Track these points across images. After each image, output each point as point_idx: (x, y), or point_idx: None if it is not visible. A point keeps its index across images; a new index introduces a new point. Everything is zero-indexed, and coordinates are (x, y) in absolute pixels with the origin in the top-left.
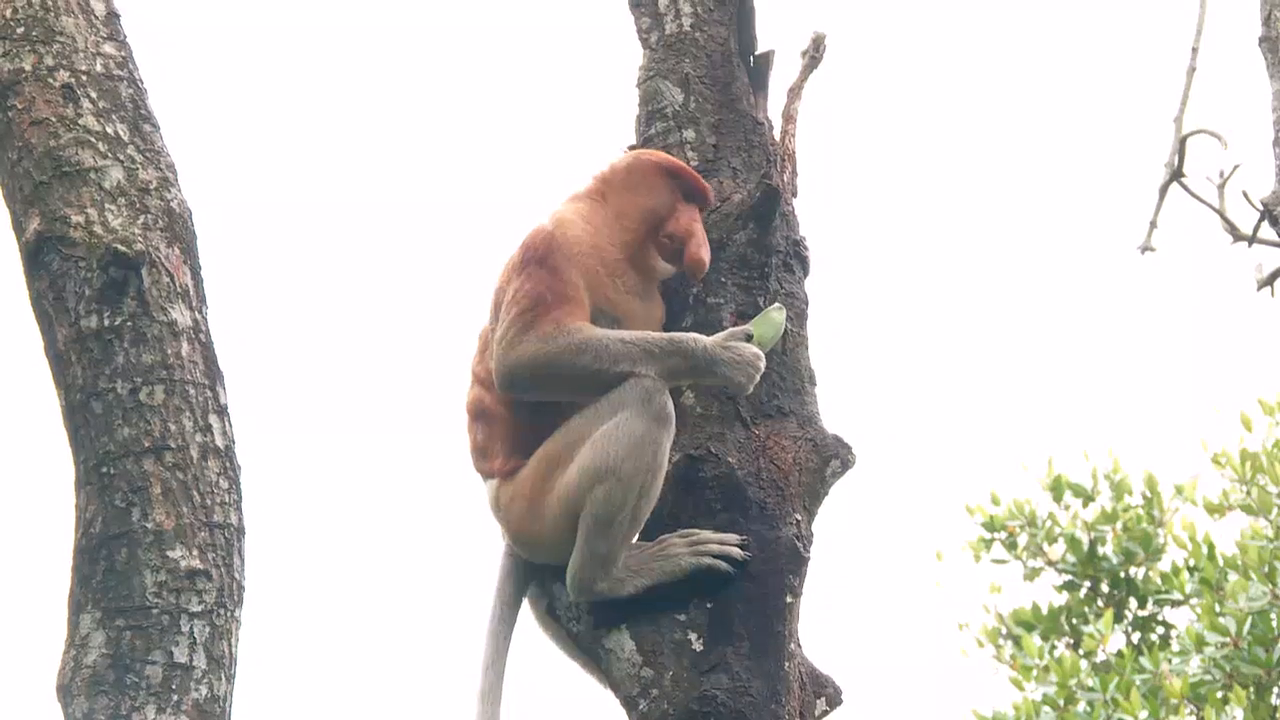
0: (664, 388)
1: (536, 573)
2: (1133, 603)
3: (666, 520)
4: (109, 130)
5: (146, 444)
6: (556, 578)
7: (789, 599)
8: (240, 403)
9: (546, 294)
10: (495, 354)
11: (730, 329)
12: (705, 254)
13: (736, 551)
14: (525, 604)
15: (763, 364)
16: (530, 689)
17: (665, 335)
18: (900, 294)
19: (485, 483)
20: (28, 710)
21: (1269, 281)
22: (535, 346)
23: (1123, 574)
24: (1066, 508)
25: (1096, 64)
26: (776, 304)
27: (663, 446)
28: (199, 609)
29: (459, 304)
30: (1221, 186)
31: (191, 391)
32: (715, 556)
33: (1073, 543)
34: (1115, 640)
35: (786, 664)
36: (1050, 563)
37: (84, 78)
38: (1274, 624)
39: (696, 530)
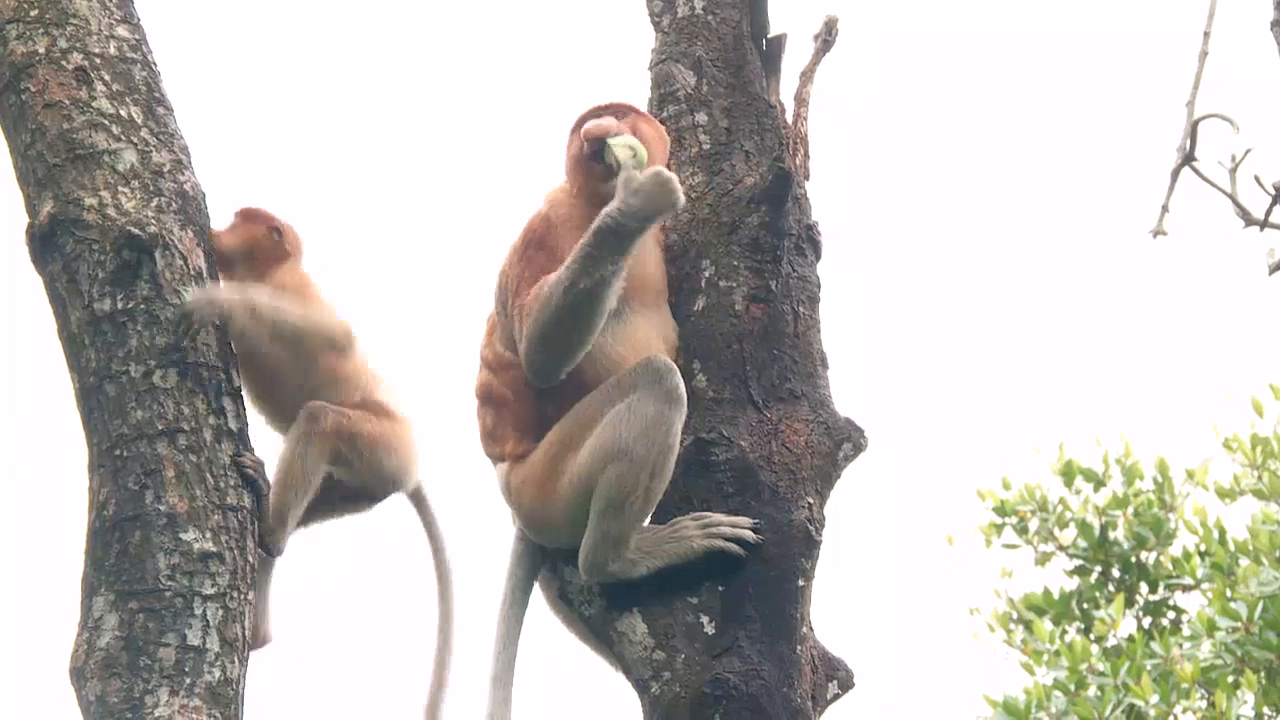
0: (674, 367)
1: (548, 557)
2: (1144, 587)
3: (678, 503)
4: (122, 113)
5: (160, 427)
6: (568, 561)
7: (801, 582)
8: None
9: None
10: (523, 353)
11: (618, 180)
12: (592, 126)
13: (749, 534)
14: (536, 588)
15: (666, 174)
16: (542, 672)
17: (589, 233)
18: (912, 278)
19: (495, 467)
20: (41, 693)
21: None
22: (532, 326)
23: (1134, 559)
24: (1078, 492)
25: (1108, 48)
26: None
27: (675, 427)
28: (212, 591)
29: (469, 287)
30: (1233, 171)
31: (205, 374)
32: (727, 539)
33: (1084, 527)
34: (1126, 625)
35: (798, 647)
36: (1061, 547)
37: (97, 60)
38: None
39: (709, 513)
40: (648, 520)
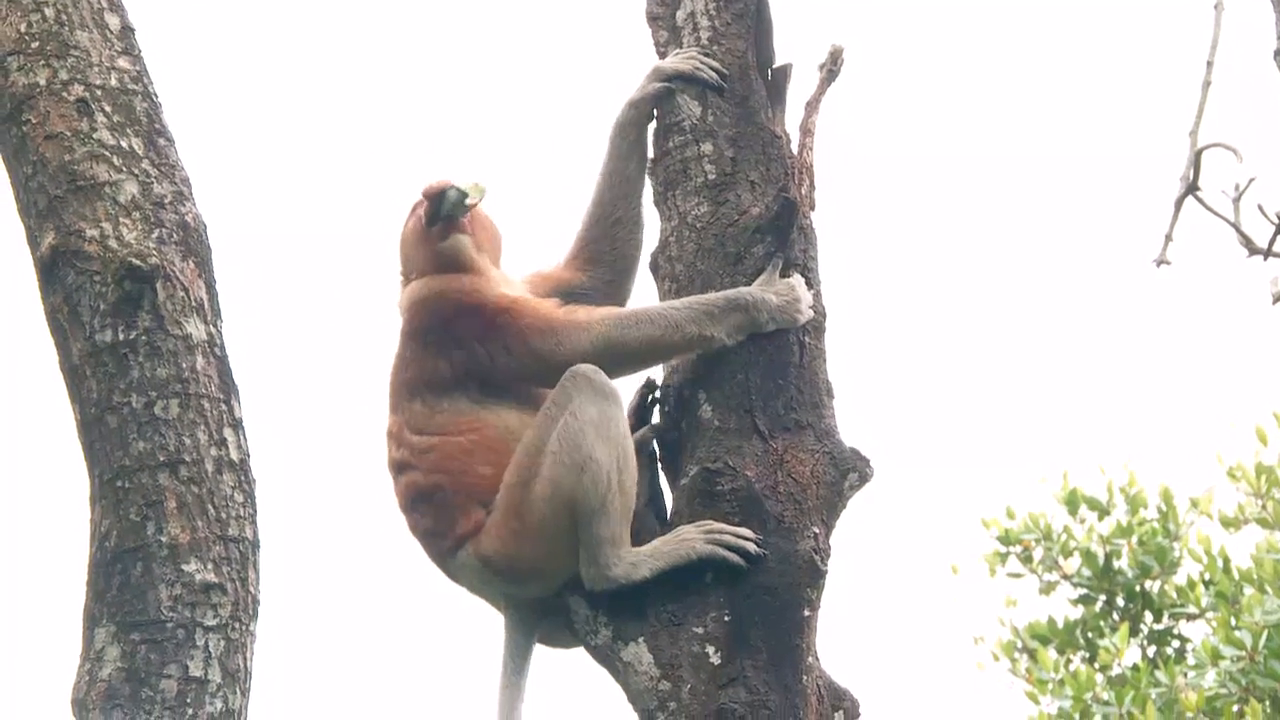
0: (595, 366)
1: (541, 614)
2: (1148, 616)
3: None
4: (124, 144)
5: (161, 458)
6: (573, 591)
7: (806, 612)
8: (255, 416)
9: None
10: (570, 345)
11: (766, 274)
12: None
13: (751, 546)
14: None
15: (804, 290)
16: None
17: (720, 294)
18: (917, 307)
19: (453, 560)
20: None
21: None
22: (610, 332)
23: (1138, 588)
24: (1082, 521)
25: (1112, 78)
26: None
27: (621, 418)
28: (214, 623)
29: None
30: (1237, 200)
31: (206, 405)
32: (729, 548)
33: (1088, 556)
34: (1131, 654)
35: (804, 677)
36: (1066, 576)
37: (98, 92)
38: None
39: (711, 521)
40: (632, 512)
